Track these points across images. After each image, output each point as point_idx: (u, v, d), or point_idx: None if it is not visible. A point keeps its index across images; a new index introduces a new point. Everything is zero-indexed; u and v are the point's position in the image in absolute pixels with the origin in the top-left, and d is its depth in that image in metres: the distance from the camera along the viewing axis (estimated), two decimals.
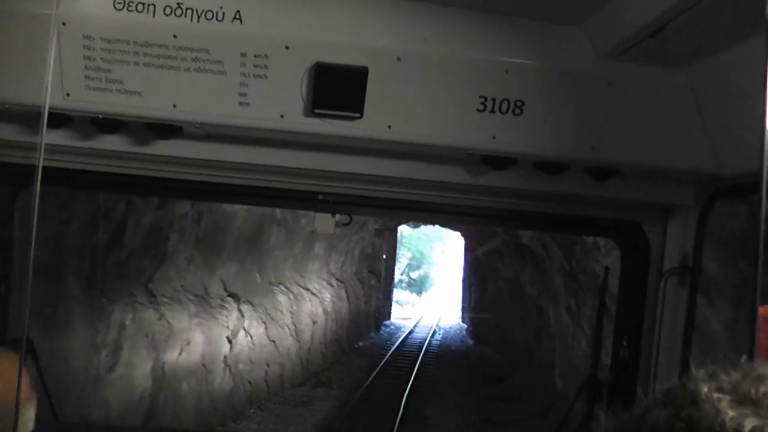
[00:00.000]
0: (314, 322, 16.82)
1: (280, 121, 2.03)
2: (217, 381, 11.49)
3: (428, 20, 1.99)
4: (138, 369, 9.48)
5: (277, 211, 12.71)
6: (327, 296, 18.48)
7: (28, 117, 1.99)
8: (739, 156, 1.94)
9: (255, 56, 1.94)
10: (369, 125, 2.03)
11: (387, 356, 19.28)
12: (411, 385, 15.00)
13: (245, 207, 11.40)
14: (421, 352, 20.77)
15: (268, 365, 13.68)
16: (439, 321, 31.70)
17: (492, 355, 18.27)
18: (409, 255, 52.39)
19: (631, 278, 2.52)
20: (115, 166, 2.28)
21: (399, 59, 1.97)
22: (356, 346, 21.57)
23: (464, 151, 2.15)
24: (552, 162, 2.16)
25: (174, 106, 2.00)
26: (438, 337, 26.09)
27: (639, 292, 2.48)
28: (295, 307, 15.40)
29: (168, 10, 1.92)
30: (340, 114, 2.01)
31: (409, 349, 21.54)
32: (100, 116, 2.03)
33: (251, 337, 12.94)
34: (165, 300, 10.50)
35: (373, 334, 24.87)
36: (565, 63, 2.04)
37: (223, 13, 1.93)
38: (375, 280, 27.43)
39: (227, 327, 11.85)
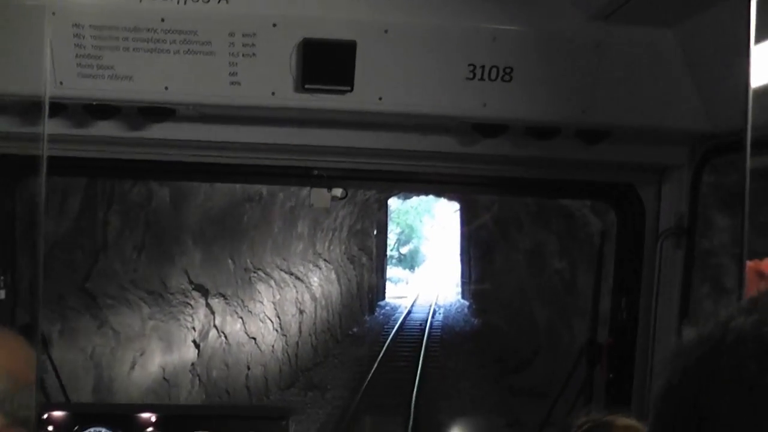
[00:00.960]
0: (301, 311, 14.60)
1: (272, 98, 2.04)
2: (183, 395, 9.25)
3: None
4: (73, 393, 7.25)
5: (249, 186, 10.44)
6: (314, 280, 16.25)
7: (21, 108, 2.04)
8: (730, 113, 1.91)
9: (243, 35, 1.95)
10: (360, 98, 2.04)
11: (386, 344, 17.15)
12: (418, 381, 12.83)
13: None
14: (423, 336, 18.69)
15: (248, 368, 11.47)
16: (436, 298, 29.62)
17: (504, 338, 16.13)
18: (398, 230, 50.26)
19: (628, 241, 2.53)
20: (111, 152, 2.31)
21: (386, 31, 1.97)
22: (350, 332, 19.43)
23: (455, 120, 2.18)
24: (543, 127, 2.16)
25: (166, 88, 2.01)
26: (439, 317, 23.94)
27: (636, 254, 2.50)
28: (278, 296, 13.15)
29: None
30: (331, 88, 2.02)
31: (409, 334, 19.43)
32: (94, 103, 2.06)
33: (225, 336, 10.68)
34: (108, 302, 8.20)
35: (367, 318, 22.72)
36: (552, 27, 2.03)
37: None
38: (366, 258, 25.25)
39: (193, 328, 9.57)
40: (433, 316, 23.52)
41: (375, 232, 27.03)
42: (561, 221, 10.55)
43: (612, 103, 2.10)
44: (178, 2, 1.93)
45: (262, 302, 12.35)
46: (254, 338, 11.74)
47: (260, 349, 11.98)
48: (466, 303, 26.13)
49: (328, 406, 11.67)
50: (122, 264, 8.54)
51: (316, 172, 2.42)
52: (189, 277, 9.98)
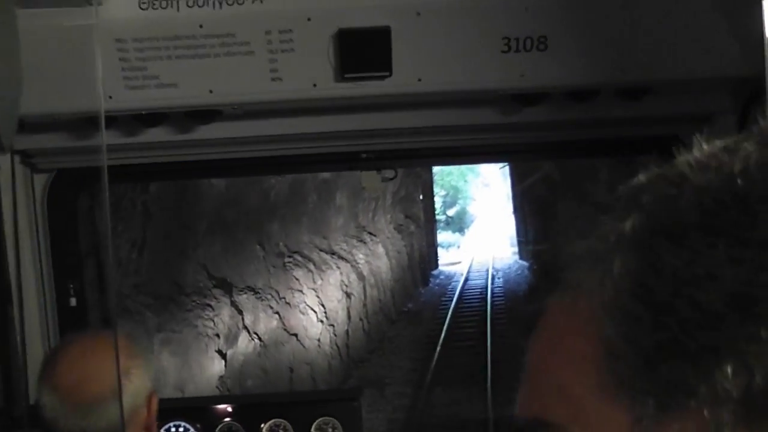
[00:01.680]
0: (348, 295, 12.81)
1: (313, 90, 2.08)
2: None
3: None
4: None
5: None
6: (360, 257, 14.43)
7: (74, 124, 2.13)
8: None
9: (279, 32, 2.00)
10: (399, 81, 2.07)
11: (446, 321, 15.29)
12: (491, 369, 10.90)
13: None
14: (486, 307, 16.75)
15: (291, 369, 9.74)
16: (492, 261, 27.63)
17: None
18: (443, 192, 48.18)
19: None
20: (162, 156, 2.39)
21: (418, 14, 2.01)
22: (405, 310, 17.65)
23: (494, 93, 2.20)
24: (582, 90, 2.17)
25: (210, 92, 2.07)
26: (499, 282, 21.94)
27: None
28: (319, 281, 11.37)
29: (191, 2, 1.98)
30: (370, 75, 2.06)
31: (469, 306, 17.52)
32: (143, 112, 2.13)
33: (259, 337, 8.93)
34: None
35: (422, 291, 20.89)
36: None
37: None
38: (414, 226, 23.35)
39: (215, 335, 7.83)
40: (492, 282, 21.55)
41: (421, 197, 25.07)
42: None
43: (648, 58, 2.08)
44: (214, 7, 1.98)
45: (301, 291, 10.58)
46: (295, 334, 9.99)
47: (304, 345, 10.24)
48: (526, 264, 24.06)
49: (388, 407, 9.88)
50: (119, 266, 6.81)
51: (364, 156, 2.47)
52: (208, 272, 8.22)
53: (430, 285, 22.38)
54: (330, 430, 2.47)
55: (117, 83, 2.00)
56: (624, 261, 0.42)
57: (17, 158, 2.32)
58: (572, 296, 0.46)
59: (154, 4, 1.98)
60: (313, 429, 2.45)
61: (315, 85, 2.06)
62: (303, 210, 11.08)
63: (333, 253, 12.53)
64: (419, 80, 2.07)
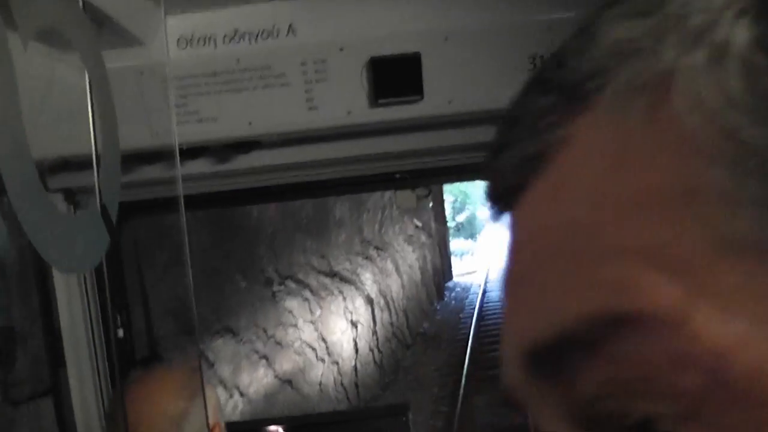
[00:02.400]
0: (354, 324, 10.91)
1: (348, 117, 2.15)
2: None
3: None
4: None
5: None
6: (367, 276, 12.54)
7: (125, 159, 2.04)
8: None
9: (314, 62, 2.08)
10: (431, 104, 2.13)
11: (469, 342, 13.36)
12: None
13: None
14: None
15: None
16: None
17: None
18: (452, 198, 46.28)
19: None
20: (201, 186, 2.44)
21: (446, 39, 2.08)
22: (421, 331, 15.74)
23: None
24: None
25: (249, 123, 2.13)
26: None
27: None
28: (318, 311, 9.47)
29: (227, 39, 2.09)
30: (402, 99, 2.11)
31: (494, 323, 15.56)
32: (184, 147, 2.16)
33: (240, 392, 7.05)
34: None
35: (438, 307, 19.00)
36: None
37: (278, 30, 2.09)
38: (425, 236, 21.48)
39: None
40: None
41: (431, 204, 23.19)
42: None
43: None
44: (249, 42, 2.08)
45: (295, 325, 8.69)
46: (289, 381, 8.09)
47: (301, 394, 8.34)
48: None
49: None
50: None
51: (398, 176, 2.55)
52: (173, 315, 6.35)
53: (446, 299, 20.47)
54: None
55: (161, 121, 2.06)
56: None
57: (60, 196, 2.29)
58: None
59: (191, 44, 2.09)
60: None
61: (349, 113, 2.14)
62: (296, 225, 9.22)
63: (334, 275, 10.64)
64: (450, 102, 2.14)
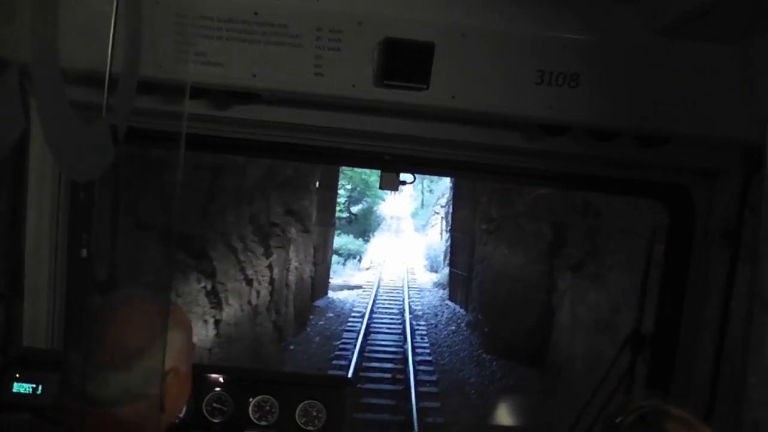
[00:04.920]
0: None
1: (352, 90, 2.17)
2: None
3: (491, 0, 2.14)
4: None
5: None
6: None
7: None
8: None
9: (330, 31, 2.09)
10: (434, 95, 2.15)
11: None
12: None
13: None
14: (411, 404, 8.22)
15: None
16: (408, 291, 19.29)
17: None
18: (350, 186, 39.65)
19: (678, 239, 2.64)
20: (199, 128, 2.46)
21: (463, 35, 2.09)
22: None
23: (522, 119, 2.29)
24: (604, 131, 2.29)
25: (254, 75, 2.15)
26: (425, 342, 13.46)
27: (685, 252, 2.61)
28: None
29: None
30: (408, 85, 2.13)
31: (378, 390, 8.91)
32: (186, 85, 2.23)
33: None
34: None
35: (292, 347, 12.17)
36: (619, 39, 2.16)
37: None
38: (297, 229, 14.65)
39: None
40: (414, 337, 13.09)
41: (317, 185, 16.35)
42: None
43: (670, 111, 2.20)
44: None
45: None
46: None
47: None
48: (462, 313, 15.70)
49: None
50: None
51: (387, 158, 2.55)
52: None
53: (308, 331, 13.68)
54: (315, 413, 2.54)
55: (168, 54, 2.05)
56: None
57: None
58: None
59: None
60: (298, 410, 2.53)
61: (354, 86, 2.14)
62: None
63: None
64: (453, 97, 2.15)
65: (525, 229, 12.62)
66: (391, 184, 2.59)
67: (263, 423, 2.49)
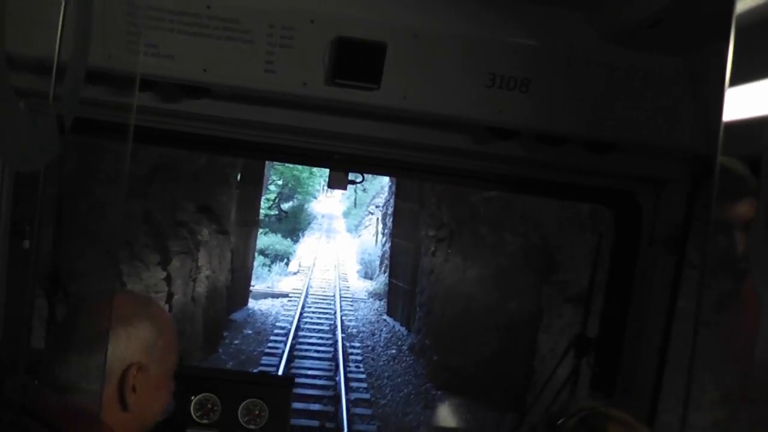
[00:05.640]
0: None
1: (303, 88, 2.17)
2: None
3: (445, 2, 2.15)
4: None
5: None
6: None
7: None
8: (725, 139, 1.79)
9: (282, 28, 2.09)
10: (385, 95, 2.16)
11: None
12: None
13: None
14: None
15: None
16: (340, 301, 17.14)
17: None
18: (281, 182, 37.18)
19: (624, 245, 2.68)
20: (148, 120, 2.42)
21: (416, 36, 2.10)
22: None
23: (472, 122, 2.31)
24: (553, 136, 2.31)
25: (204, 70, 2.14)
26: (356, 353, 11.22)
27: (630, 257, 2.65)
28: None
29: None
30: (359, 85, 2.12)
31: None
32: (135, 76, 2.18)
33: None
34: None
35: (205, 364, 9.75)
36: (570, 46, 2.19)
37: None
38: (212, 229, 12.34)
39: None
40: (348, 364, 10.91)
41: (239, 177, 13.98)
42: None
43: (619, 119, 2.23)
44: None
45: None
46: None
47: None
48: (404, 332, 13.62)
49: None
50: None
51: (336, 157, 2.54)
52: None
53: (219, 353, 11.32)
54: (257, 411, 2.57)
55: (119, 44, 2.05)
56: None
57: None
58: None
59: None
60: (240, 409, 2.57)
61: (305, 84, 2.15)
62: None
63: None
64: (404, 98, 2.16)
65: (486, 238, 10.67)
66: (339, 183, 2.61)
67: (205, 421, 2.56)
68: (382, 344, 12.98)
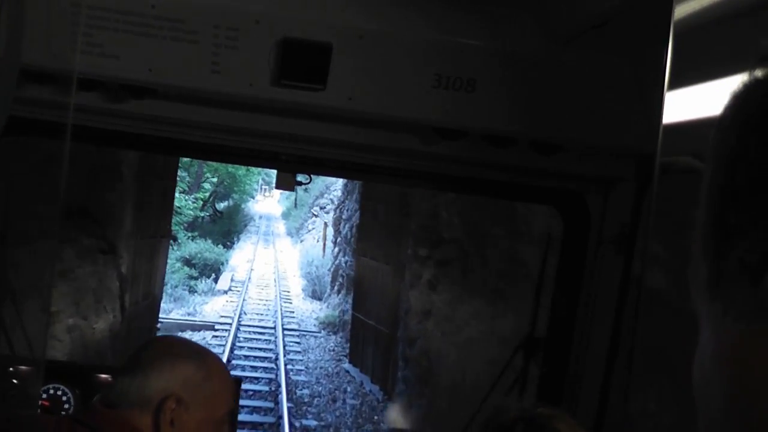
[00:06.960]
0: None
1: (249, 89, 2.17)
2: None
3: (390, 2, 2.19)
4: None
5: None
6: None
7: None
8: (672, 139, 2.05)
9: (227, 29, 2.08)
10: (331, 96, 2.17)
11: None
12: None
13: None
14: None
15: None
16: (283, 327, 12.85)
17: None
18: (216, 179, 32.58)
19: (572, 245, 2.67)
20: (93, 121, 2.39)
21: (361, 37, 2.11)
22: None
23: (419, 123, 2.33)
24: (500, 136, 2.32)
25: (149, 70, 2.12)
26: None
27: (579, 257, 2.64)
28: None
29: None
30: (305, 85, 2.15)
31: None
32: (80, 76, 2.20)
33: None
34: None
35: None
36: (515, 46, 2.20)
37: None
38: (91, 246, 7.87)
39: None
40: None
41: (136, 170, 9.45)
42: None
43: (566, 120, 2.24)
44: None
45: None
46: None
47: None
48: (378, 399, 9.40)
49: None
50: None
51: (283, 157, 2.53)
52: None
53: None
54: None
55: (64, 44, 2.03)
56: None
57: None
58: None
59: None
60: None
61: (251, 85, 2.14)
62: None
63: None
64: (350, 99, 2.16)
65: (529, 264, 6.60)
66: (286, 184, 2.59)
67: None
68: (349, 421, 8.72)
